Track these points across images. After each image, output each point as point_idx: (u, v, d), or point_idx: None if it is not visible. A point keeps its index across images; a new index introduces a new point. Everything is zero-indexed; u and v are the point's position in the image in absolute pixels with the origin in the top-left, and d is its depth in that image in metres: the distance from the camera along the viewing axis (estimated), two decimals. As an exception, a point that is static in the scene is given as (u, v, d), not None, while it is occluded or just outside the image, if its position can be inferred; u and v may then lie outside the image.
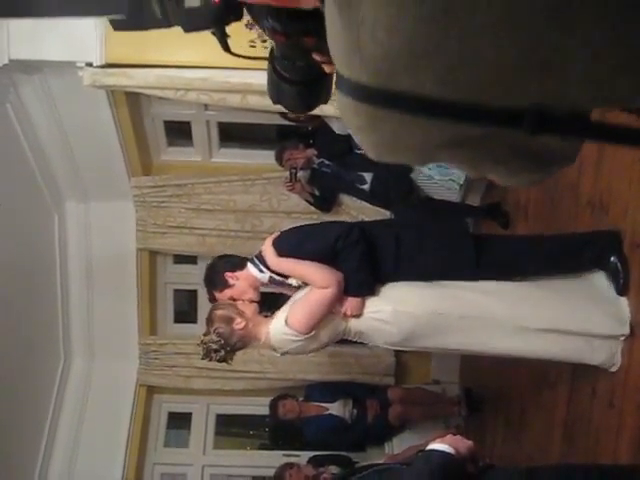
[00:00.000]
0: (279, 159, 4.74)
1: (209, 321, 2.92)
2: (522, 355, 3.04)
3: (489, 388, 4.93)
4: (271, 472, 4.96)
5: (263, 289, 3.12)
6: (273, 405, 5.05)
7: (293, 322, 2.82)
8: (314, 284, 2.88)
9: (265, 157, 5.08)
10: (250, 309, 2.95)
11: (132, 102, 4.50)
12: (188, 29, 1.14)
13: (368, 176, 4.60)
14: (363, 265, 2.94)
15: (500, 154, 1.03)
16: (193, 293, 5.63)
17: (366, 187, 4.62)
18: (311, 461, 4.85)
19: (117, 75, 3.93)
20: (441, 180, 4.49)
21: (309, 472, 4.42)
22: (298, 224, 3.36)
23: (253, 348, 5.11)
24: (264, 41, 3.75)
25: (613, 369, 2.99)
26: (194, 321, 5.59)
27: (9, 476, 4.43)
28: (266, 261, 2.99)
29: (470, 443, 1.84)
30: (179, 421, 5.74)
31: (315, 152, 4.65)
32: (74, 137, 4.61)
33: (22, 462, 4.67)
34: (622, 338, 2.95)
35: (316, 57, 1.19)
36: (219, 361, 2.92)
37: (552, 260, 3.10)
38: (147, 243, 5.17)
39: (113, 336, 5.36)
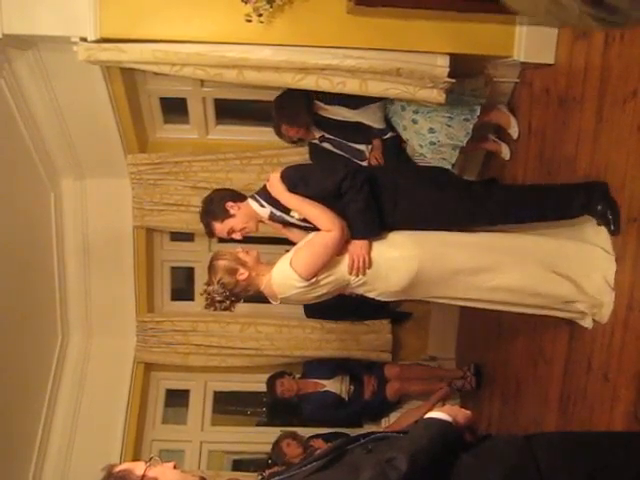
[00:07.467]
0: (280, 134, 4.70)
1: (210, 270, 2.94)
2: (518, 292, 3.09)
3: (485, 363, 4.95)
4: (269, 448, 5.01)
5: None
6: (271, 383, 5.08)
7: (298, 264, 2.85)
8: (319, 224, 2.92)
9: (262, 134, 5.05)
10: (251, 258, 2.97)
11: (127, 78, 4.45)
12: None
13: (367, 152, 4.56)
14: (370, 206, 2.96)
15: None
16: (190, 270, 5.64)
17: (365, 164, 4.60)
18: (321, 437, 4.96)
19: (112, 50, 3.86)
20: (433, 159, 4.45)
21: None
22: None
23: (250, 325, 5.24)
24: (260, 15, 3.72)
25: (603, 320, 3.07)
26: (191, 298, 5.60)
27: (9, 451, 4.46)
28: (273, 195, 3.01)
29: (468, 413, 1.85)
30: (177, 398, 5.76)
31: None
32: (69, 114, 4.56)
33: (21, 439, 4.69)
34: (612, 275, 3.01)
35: None
36: (223, 309, 2.96)
37: (541, 209, 3.17)
38: (144, 220, 5.15)
39: (110, 314, 5.36)
